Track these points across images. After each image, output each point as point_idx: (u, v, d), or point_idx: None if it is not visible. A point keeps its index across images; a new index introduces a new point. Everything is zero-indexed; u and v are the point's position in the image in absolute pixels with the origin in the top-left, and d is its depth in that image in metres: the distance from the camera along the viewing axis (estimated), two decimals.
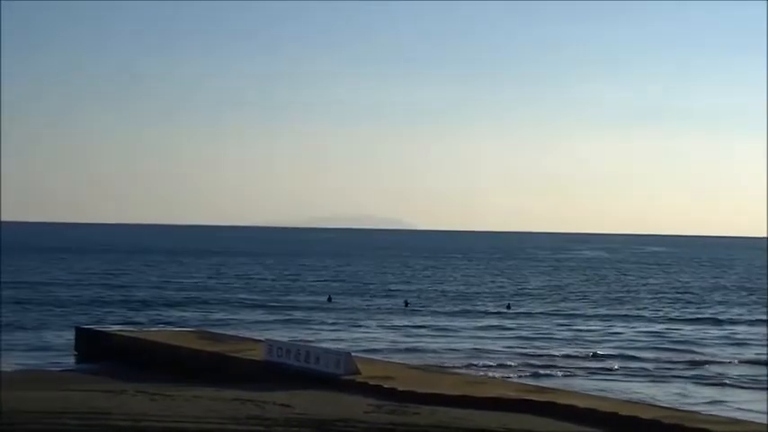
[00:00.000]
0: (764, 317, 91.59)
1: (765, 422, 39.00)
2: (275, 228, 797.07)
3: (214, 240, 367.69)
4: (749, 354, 66.09)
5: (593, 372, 56.36)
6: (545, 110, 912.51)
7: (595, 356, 62.39)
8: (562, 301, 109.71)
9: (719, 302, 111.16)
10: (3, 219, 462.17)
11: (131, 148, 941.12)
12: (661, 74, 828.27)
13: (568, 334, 76.19)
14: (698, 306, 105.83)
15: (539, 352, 65.17)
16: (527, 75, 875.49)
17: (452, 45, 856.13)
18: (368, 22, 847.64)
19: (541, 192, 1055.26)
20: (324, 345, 57.32)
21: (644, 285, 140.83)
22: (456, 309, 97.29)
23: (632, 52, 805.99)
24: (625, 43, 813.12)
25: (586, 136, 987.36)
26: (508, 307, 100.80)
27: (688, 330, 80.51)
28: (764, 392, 49.99)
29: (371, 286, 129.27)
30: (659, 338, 74.05)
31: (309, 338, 66.70)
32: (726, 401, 47.35)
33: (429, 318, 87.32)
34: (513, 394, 40.52)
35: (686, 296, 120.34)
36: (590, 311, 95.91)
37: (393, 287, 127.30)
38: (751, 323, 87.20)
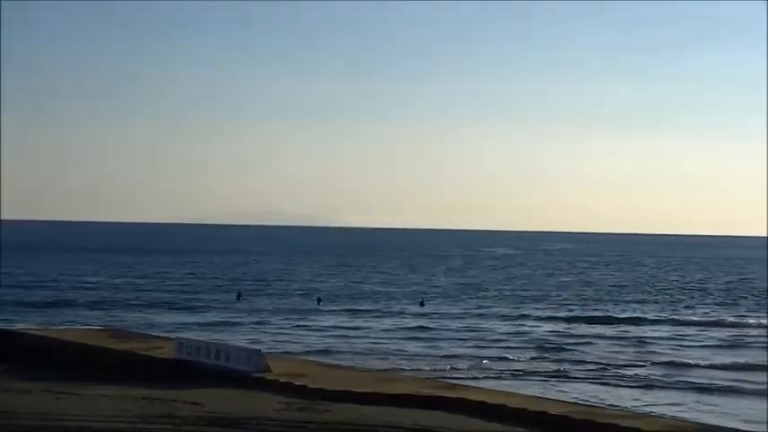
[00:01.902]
0: (651, 316, 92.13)
1: (670, 417, 39.79)
2: (189, 224, 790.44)
3: (127, 237, 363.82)
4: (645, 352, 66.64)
5: (501, 371, 56.42)
6: (476, 106, 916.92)
7: (499, 359, 62.31)
8: (473, 298, 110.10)
9: (614, 301, 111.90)
10: None
11: (52, 143, 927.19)
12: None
13: (476, 333, 76.19)
14: (595, 304, 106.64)
15: (449, 351, 65.37)
16: (446, 69, 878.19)
17: (354, 41, 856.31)
18: (270, 18, 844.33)
19: (467, 189, 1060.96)
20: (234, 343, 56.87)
21: (551, 283, 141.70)
22: (369, 307, 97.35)
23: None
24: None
25: (512, 133, 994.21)
26: (421, 304, 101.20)
27: (585, 329, 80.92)
28: (665, 391, 50.64)
29: (283, 284, 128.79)
30: (563, 337, 74.29)
31: (221, 338, 66.16)
32: (638, 399, 47.83)
33: (343, 317, 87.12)
34: (424, 391, 40.58)
35: (588, 293, 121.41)
36: (502, 310, 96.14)
37: (306, 285, 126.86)
38: (646, 322, 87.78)
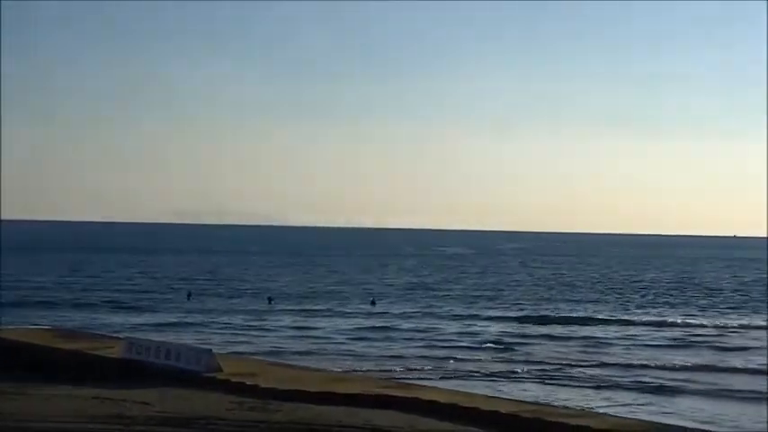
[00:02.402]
0: (602, 315, 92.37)
1: (618, 414, 40.06)
2: (142, 223, 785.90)
3: (79, 236, 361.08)
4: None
5: (453, 371, 56.45)
6: (420, 107, 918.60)
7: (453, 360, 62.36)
8: (425, 298, 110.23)
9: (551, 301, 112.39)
10: None
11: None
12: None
13: (428, 333, 76.14)
14: (547, 303, 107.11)
15: (401, 351, 65.43)
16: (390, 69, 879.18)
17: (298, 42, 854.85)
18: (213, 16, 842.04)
19: (422, 189, 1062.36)
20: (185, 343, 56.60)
21: (503, 283, 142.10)
22: (321, 306, 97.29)
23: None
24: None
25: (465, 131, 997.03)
26: (373, 303, 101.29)
27: (536, 328, 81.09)
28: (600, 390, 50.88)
29: (235, 283, 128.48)
30: (514, 337, 74.40)
31: (171, 338, 65.76)
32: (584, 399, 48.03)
33: (295, 317, 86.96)
34: (375, 390, 40.61)
35: (540, 293, 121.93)
36: (454, 310, 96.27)
37: (257, 284, 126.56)
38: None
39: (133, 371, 45.71)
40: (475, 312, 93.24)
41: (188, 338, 66.12)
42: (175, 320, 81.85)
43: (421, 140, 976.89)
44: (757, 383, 53.27)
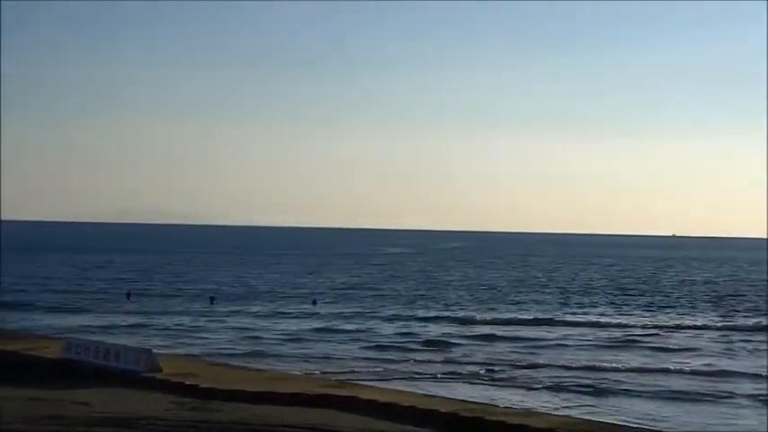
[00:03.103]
0: (543, 316, 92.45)
1: (559, 414, 40.37)
2: (76, 222, 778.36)
3: (12, 236, 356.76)
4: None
5: (392, 371, 56.38)
6: (366, 107, 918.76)
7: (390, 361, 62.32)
8: (366, 298, 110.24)
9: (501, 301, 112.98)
10: None
11: None
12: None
13: (368, 334, 76.05)
14: (487, 304, 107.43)
15: (341, 351, 65.41)
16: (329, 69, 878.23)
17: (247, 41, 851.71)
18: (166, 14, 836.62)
19: (363, 189, 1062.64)
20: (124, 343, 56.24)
21: (444, 283, 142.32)
22: (262, 306, 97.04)
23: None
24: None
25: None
26: (314, 303, 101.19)
27: (475, 329, 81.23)
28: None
29: (175, 283, 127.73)
30: (453, 337, 74.43)
31: (110, 338, 65.25)
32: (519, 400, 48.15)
33: (236, 317, 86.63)
34: (315, 390, 40.66)
35: (480, 293, 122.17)
36: (393, 310, 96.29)
37: (198, 285, 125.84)
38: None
39: (72, 371, 45.41)
40: (415, 313, 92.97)
41: (127, 339, 65.61)
42: (115, 321, 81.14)
43: (367, 141, 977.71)
44: (696, 384, 53.61)
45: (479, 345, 69.98)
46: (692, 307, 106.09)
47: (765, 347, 70.86)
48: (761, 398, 49.24)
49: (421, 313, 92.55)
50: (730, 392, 50.52)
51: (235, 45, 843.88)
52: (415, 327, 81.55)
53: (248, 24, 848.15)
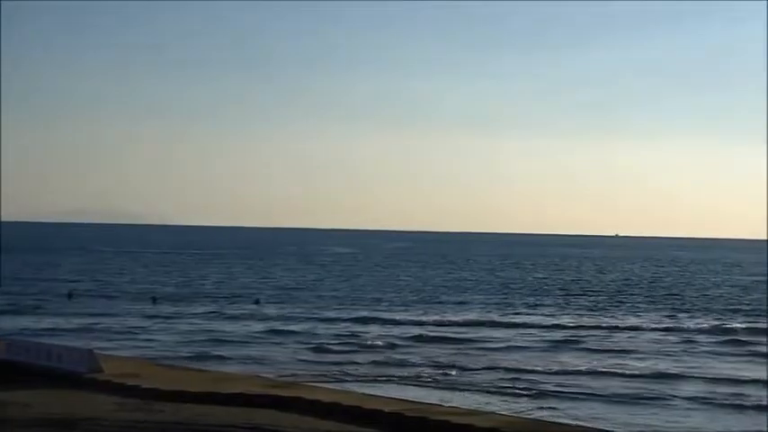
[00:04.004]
0: (487, 317, 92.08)
1: (503, 413, 40.51)
2: (17, 222, 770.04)
3: None
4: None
5: (336, 373, 56.23)
6: (303, 108, 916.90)
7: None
8: (311, 298, 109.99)
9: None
10: None
11: None
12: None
13: (311, 334, 75.81)
14: (430, 305, 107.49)
15: (284, 352, 65.23)
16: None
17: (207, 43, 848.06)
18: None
19: (305, 188, 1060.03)
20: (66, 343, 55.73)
21: (388, 283, 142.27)
22: (206, 307, 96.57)
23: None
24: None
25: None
26: (257, 302, 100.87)
27: (419, 330, 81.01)
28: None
29: (117, 283, 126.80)
30: (398, 338, 74.25)
31: (51, 339, 64.60)
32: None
33: (179, 318, 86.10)
34: (258, 390, 40.56)
35: (424, 294, 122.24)
36: (337, 311, 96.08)
37: (140, 285, 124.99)
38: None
39: (13, 373, 44.96)
40: (358, 314, 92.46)
41: (69, 340, 64.99)
42: (58, 322, 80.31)
43: (306, 141, 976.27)
44: (636, 386, 53.90)
45: (422, 346, 69.71)
46: (635, 307, 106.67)
47: (708, 348, 71.56)
48: (700, 400, 49.59)
49: (364, 314, 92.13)
50: (671, 395, 50.79)
51: (197, 46, 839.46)
52: (358, 328, 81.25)
53: (203, 27, 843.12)
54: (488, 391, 50.95)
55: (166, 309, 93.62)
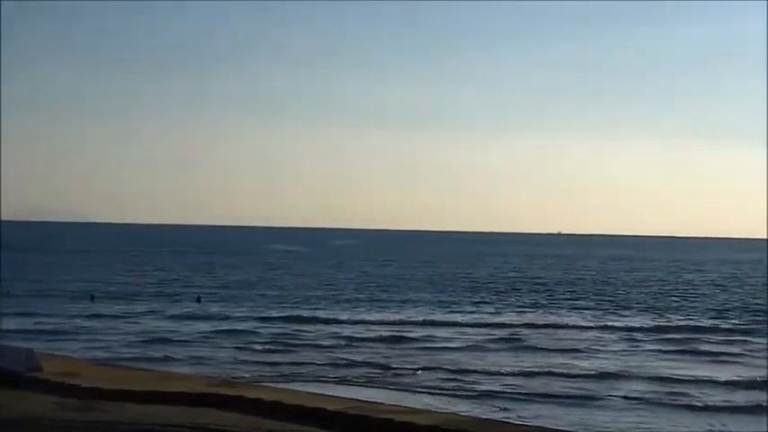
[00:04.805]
0: (429, 317, 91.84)
1: (445, 411, 40.56)
2: None
3: None
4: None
5: (279, 373, 56.03)
6: (238, 102, 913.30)
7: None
8: (254, 297, 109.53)
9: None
10: None
11: None
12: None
13: (254, 334, 75.40)
14: (377, 303, 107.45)
15: (227, 352, 64.94)
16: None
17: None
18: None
19: (249, 185, 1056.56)
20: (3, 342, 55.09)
21: (337, 281, 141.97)
22: (145, 305, 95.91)
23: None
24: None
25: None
26: (198, 300, 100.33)
27: (364, 329, 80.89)
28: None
29: (52, 281, 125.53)
30: (340, 339, 73.99)
31: None
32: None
33: (119, 317, 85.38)
34: (200, 389, 40.35)
35: (368, 292, 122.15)
36: (282, 310, 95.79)
37: (77, 284, 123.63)
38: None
39: None
40: (303, 313, 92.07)
41: (6, 338, 64.22)
42: None
43: (241, 136, 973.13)
44: (577, 385, 54.18)
45: (365, 345, 69.59)
46: (577, 306, 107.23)
47: (649, 347, 72.09)
48: (640, 399, 49.93)
49: (307, 313, 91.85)
50: (609, 394, 51.02)
51: (145, 44, 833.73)
52: (301, 327, 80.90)
53: (163, 25, 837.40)
54: (429, 392, 50.90)
55: (106, 308, 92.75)
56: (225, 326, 79.83)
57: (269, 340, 71.24)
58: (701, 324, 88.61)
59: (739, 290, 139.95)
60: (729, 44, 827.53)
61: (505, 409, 45.43)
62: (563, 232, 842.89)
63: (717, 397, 50.89)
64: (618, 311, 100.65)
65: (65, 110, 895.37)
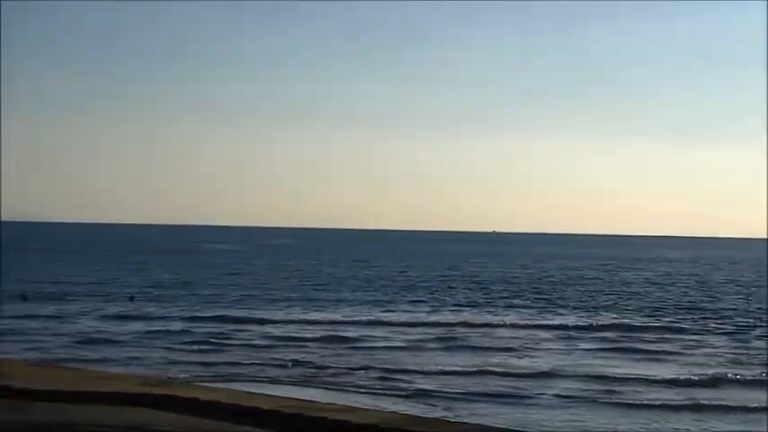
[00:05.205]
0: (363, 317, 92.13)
1: (382, 409, 40.47)
2: None
3: None
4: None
5: (215, 373, 55.69)
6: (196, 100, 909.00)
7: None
8: (189, 296, 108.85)
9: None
10: None
11: None
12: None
13: (189, 334, 74.73)
14: (313, 303, 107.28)
15: (161, 352, 64.41)
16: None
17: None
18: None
19: (191, 184, 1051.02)
20: None
21: (274, 280, 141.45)
22: (79, 304, 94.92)
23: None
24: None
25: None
26: (131, 299, 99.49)
27: (295, 329, 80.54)
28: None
29: None
30: (275, 339, 73.56)
31: None
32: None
33: (52, 317, 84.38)
34: (134, 389, 39.80)
35: (302, 291, 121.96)
36: (218, 310, 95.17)
37: (10, 285, 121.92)
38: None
39: None
40: (238, 313, 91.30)
41: None
42: None
43: (184, 136, 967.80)
44: (510, 383, 54.33)
45: (299, 345, 69.18)
46: (513, 304, 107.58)
47: (584, 346, 72.50)
48: (572, 397, 50.22)
49: (241, 313, 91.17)
50: (544, 392, 51.27)
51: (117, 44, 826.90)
52: (235, 326, 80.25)
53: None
54: (365, 391, 50.86)
55: (38, 308, 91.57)
56: (158, 325, 79.20)
57: (203, 340, 70.71)
58: (635, 322, 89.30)
59: (673, 287, 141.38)
60: (674, 42, 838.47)
61: (447, 409, 45.57)
62: (498, 231, 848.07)
63: (650, 395, 51.37)
64: (553, 309, 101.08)
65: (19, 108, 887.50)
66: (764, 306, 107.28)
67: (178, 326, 79.32)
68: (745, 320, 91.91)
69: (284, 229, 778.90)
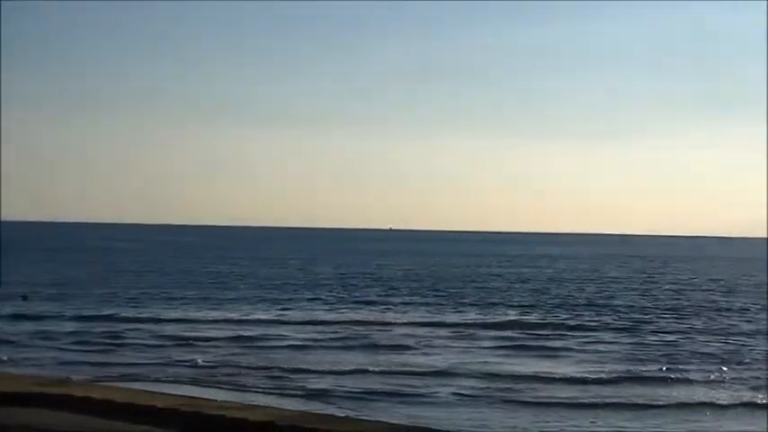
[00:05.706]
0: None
1: (279, 407, 40.43)
2: None
3: None
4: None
5: (121, 375, 54.89)
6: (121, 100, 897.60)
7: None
8: (88, 295, 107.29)
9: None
10: None
11: None
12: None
13: (92, 334, 73.58)
14: (225, 303, 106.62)
15: (57, 354, 63.40)
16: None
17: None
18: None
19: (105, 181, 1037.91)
20: None
21: (179, 279, 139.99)
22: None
23: None
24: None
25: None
26: (24, 298, 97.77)
27: (208, 329, 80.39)
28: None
29: None
30: (190, 341, 73.09)
31: None
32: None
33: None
34: (27, 389, 39.33)
35: (210, 292, 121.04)
36: (125, 309, 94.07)
37: None
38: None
39: None
40: (138, 313, 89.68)
41: None
42: None
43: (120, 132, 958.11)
44: (402, 381, 54.47)
45: (196, 345, 68.27)
46: (410, 302, 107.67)
47: (485, 344, 72.85)
48: (470, 396, 50.54)
49: (136, 312, 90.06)
50: (440, 391, 51.42)
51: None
52: (134, 326, 79.19)
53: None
54: (262, 390, 50.54)
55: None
56: (52, 325, 77.96)
57: (98, 340, 69.76)
58: (534, 320, 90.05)
59: (571, 285, 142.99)
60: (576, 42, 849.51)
61: (345, 407, 45.58)
62: (394, 228, 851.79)
63: (547, 392, 51.89)
64: (453, 307, 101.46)
65: None
66: (660, 303, 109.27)
67: (73, 326, 78.05)
68: (641, 316, 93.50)
69: (192, 226, 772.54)
